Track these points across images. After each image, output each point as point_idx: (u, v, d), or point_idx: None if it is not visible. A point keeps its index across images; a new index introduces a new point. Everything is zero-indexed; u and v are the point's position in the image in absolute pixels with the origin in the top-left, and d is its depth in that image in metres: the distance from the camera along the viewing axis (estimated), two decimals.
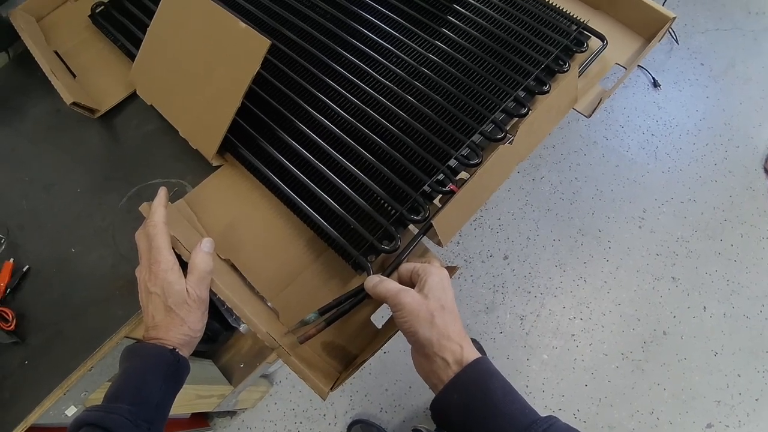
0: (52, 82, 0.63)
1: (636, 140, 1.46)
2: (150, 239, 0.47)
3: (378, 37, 0.63)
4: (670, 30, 1.47)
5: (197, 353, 0.93)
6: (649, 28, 0.64)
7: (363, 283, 0.49)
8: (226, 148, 0.58)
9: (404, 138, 0.55)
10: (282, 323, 0.51)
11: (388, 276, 0.48)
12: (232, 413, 1.24)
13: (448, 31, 0.62)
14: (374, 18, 0.65)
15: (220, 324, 0.91)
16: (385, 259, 0.52)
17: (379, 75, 0.59)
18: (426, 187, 0.52)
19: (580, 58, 0.62)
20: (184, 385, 0.48)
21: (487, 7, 0.64)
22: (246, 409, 1.24)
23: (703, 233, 1.36)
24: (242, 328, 0.91)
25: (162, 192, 0.51)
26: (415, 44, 0.62)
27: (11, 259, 0.60)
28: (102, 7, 0.73)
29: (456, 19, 0.63)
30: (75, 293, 0.57)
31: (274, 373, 1.27)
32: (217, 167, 0.59)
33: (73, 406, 0.64)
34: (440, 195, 0.53)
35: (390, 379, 1.25)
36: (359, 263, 0.50)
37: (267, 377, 1.26)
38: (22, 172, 0.66)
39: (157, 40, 0.61)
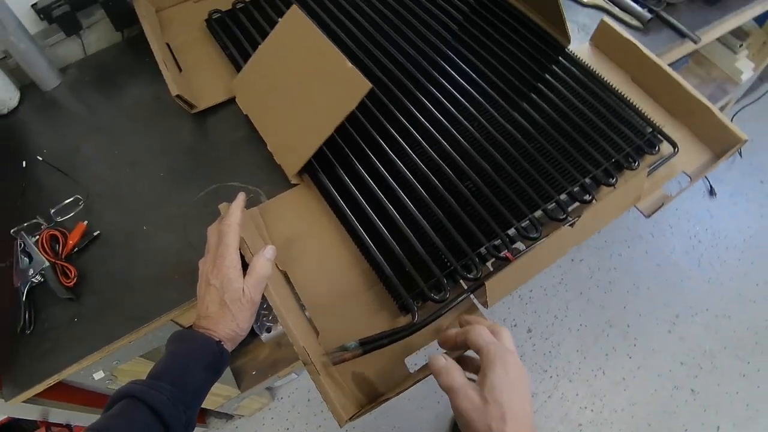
0: (162, 72, 0.69)
1: (682, 244, 1.45)
2: (221, 236, 0.50)
3: (463, 98, 0.67)
4: None
5: None
6: (720, 144, 0.66)
7: (405, 325, 0.51)
8: (305, 169, 0.62)
9: (471, 198, 0.58)
10: (319, 343, 0.53)
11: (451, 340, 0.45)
12: (228, 416, 1.25)
13: (529, 107, 0.66)
14: (462, 80, 0.69)
15: None
16: (432, 306, 0.54)
17: (458, 134, 0.63)
18: (483, 249, 0.55)
19: (649, 159, 0.64)
20: None
21: (570, 94, 0.67)
22: (243, 416, 1.24)
23: (732, 352, 1.32)
24: (264, 336, 0.93)
25: (241, 196, 0.55)
26: (497, 113, 0.65)
27: (85, 222, 0.64)
28: (219, 14, 0.80)
29: (539, 98, 0.67)
30: (136, 268, 0.61)
31: (279, 388, 1.28)
32: (294, 185, 0.63)
33: (102, 372, 0.67)
34: (494, 259, 0.55)
35: (389, 424, 1.24)
36: (406, 305, 0.52)
37: (271, 390, 1.27)
38: (114, 145, 0.72)
39: (266, 58, 0.67)
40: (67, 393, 0.69)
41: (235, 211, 0.52)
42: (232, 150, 0.68)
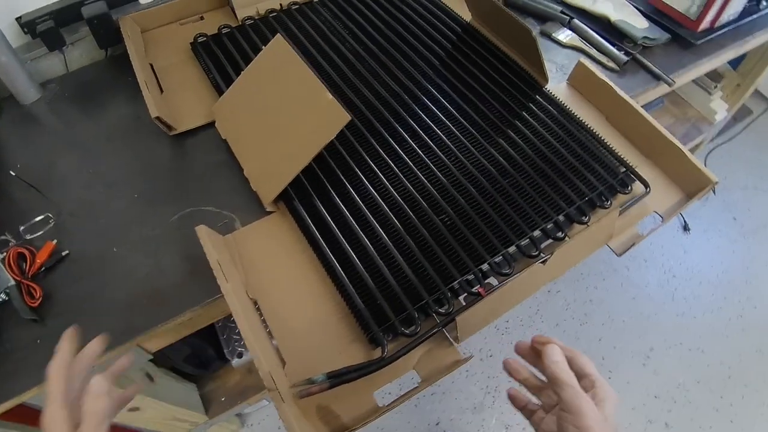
0: (143, 93, 0.69)
1: (656, 278, 1.47)
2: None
3: (441, 132, 0.68)
4: None
5: (185, 375, 0.93)
6: (691, 184, 0.68)
7: (374, 359, 0.51)
8: (281, 197, 0.62)
9: (445, 232, 0.58)
10: (286, 373, 0.52)
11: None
12: None
13: (506, 143, 0.67)
14: (441, 114, 0.70)
15: (215, 352, 0.92)
16: (404, 339, 0.54)
17: (435, 167, 0.64)
18: (455, 284, 0.55)
19: (622, 198, 0.66)
20: (164, 402, 0.47)
21: (546, 132, 0.69)
22: None
23: (706, 386, 1.34)
24: (234, 362, 0.92)
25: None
26: (474, 148, 0.66)
27: (54, 241, 0.63)
28: (204, 38, 0.80)
29: (515, 135, 0.68)
30: (104, 290, 0.60)
31: (249, 414, 1.26)
32: (270, 213, 0.63)
33: None
34: (466, 294, 0.55)
35: None
36: (376, 338, 0.52)
37: (240, 417, 1.24)
38: (90, 163, 0.71)
39: (248, 84, 0.67)
40: (28, 415, 0.67)
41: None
42: (209, 174, 0.68)
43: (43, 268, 0.61)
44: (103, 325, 0.58)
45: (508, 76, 0.76)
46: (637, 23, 0.90)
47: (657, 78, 0.85)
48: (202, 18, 0.85)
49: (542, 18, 0.91)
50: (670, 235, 1.53)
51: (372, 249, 0.57)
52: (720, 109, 1.33)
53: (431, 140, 0.67)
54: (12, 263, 0.61)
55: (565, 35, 0.88)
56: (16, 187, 0.69)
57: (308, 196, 0.61)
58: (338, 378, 0.50)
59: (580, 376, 0.41)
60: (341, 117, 0.56)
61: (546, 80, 0.75)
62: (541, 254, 0.59)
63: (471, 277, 0.55)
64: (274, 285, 0.58)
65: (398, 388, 0.49)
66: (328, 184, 0.62)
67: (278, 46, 0.65)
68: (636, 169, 0.67)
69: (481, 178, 0.63)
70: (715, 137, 1.60)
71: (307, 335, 0.55)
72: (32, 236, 0.64)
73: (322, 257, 0.57)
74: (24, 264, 0.61)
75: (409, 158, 0.65)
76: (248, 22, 0.82)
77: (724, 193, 1.64)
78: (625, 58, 0.84)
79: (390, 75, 0.75)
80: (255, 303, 0.56)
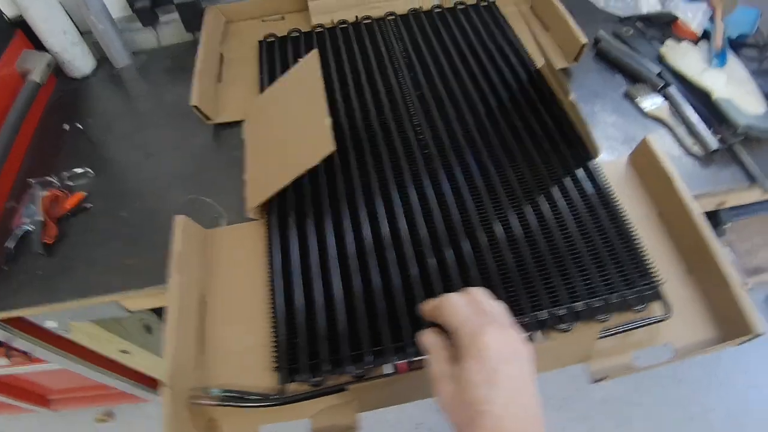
0: (193, 80, 0.74)
1: (727, 403, 1.22)
2: None
3: (466, 183, 0.62)
4: None
5: None
6: (729, 326, 0.55)
7: (272, 394, 0.50)
8: (266, 208, 0.63)
9: (399, 292, 0.54)
10: (196, 377, 0.53)
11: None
12: None
13: (512, 214, 0.60)
14: (473, 160, 0.65)
15: None
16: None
17: (424, 221, 0.59)
18: (390, 347, 0.51)
19: (629, 315, 0.55)
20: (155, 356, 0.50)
21: (570, 210, 0.60)
22: None
23: None
24: None
25: None
26: (477, 212, 0.60)
27: (85, 193, 0.72)
28: (273, 38, 0.84)
29: (531, 207, 0.61)
30: (102, 247, 0.67)
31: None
32: (253, 220, 0.64)
33: (54, 322, 0.75)
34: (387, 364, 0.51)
35: None
36: (282, 376, 0.51)
37: None
38: (141, 132, 0.79)
39: (276, 92, 0.69)
40: (30, 328, 0.78)
41: None
42: (224, 169, 0.71)
43: (67, 214, 0.71)
44: (91, 276, 0.65)
45: (557, 138, 0.67)
46: (749, 107, 0.74)
47: (751, 179, 0.69)
48: (283, 18, 0.89)
49: (633, 77, 0.80)
50: (761, 356, 1.26)
51: (318, 286, 0.55)
52: None
53: (420, 199, 0.62)
54: (47, 202, 0.70)
55: (651, 103, 0.76)
56: (78, 137, 0.80)
57: (285, 215, 0.61)
58: (231, 398, 0.51)
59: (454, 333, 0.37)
60: (326, 146, 0.55)
61: (596, 153, 0.65)
62: None
63: (411, 348, 0.51)
64: (226, 290, 0.59)
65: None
66: (309, 210, 0.61)
67: (310, 61, 0.66)
68: (664, 284, 0.56)
69: (466, 244, 0.57)
70: None
71: (235, 348, 0.56)
72: (72, 184, 0.74)
73: (270, 278, 0.57)
74: (55, 205, 0.71)
75: (404, 209, 0.61)
76: (318, 30, 0.84)
77: None
78: (717, 146, 0.70)
79: (437, 109, 0.71)
80: (203, 300, 0.58)
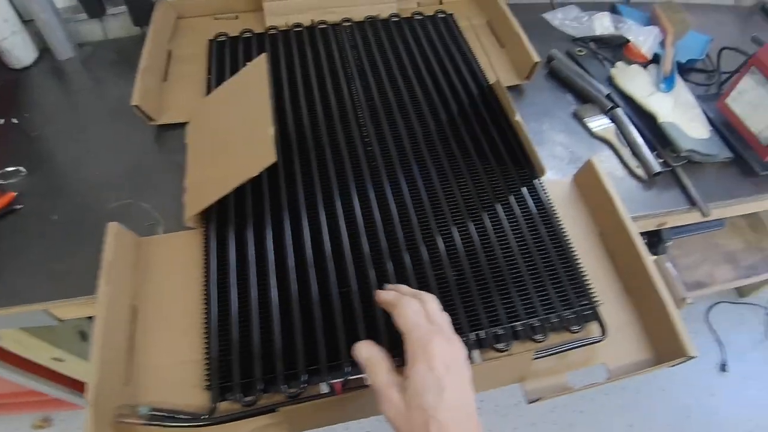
0: (136, 78, 0.71)
1: (667, 412, 1.27)
2: None
3: (410, 198, 0.62)
4: None
5: None
6: (664, 348, 0.56)
7: (201, 415, 0.48)
8: (205, 217, 0.60)
9: (337, 308, 0.53)
10: (123, 393, 0.51)
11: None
12: None
13: (455, 231, 0.60)
14: (419, 175, 0.64)
15: None
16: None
17: (368, 238, 0.58)
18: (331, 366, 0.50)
19: (567, 335, 0.56)
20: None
21: (513, 229, 0.60)
22: None
23: None
24: None
25: None
26: (419, 229, 0.60)
27: (16, 193, 0.68)
28: (224, 38, 0.81)
29: (473, 224, 0.61)
30: (32, 251, 0.63)
31: None
32: (191, 229, 0.62)
33: None
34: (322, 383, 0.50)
35: None
36: (212, 395, 0.49)
37: None
38: (81, 130, 0.75)
39: (222, 96, 0.67)
40: None
41: None
42: (164, 173, 0.69)
43: None
44: (20, 282, 0.61)
45: (504, 155, 0.68)
46: (692, 131, 0.77)
47: (691, 202, 0.72)
48: (237, 17, 0.87)
49: (583, 97, 0.81)
50: (702, 369, 1.32)
51: (255, 301, 0.54)
52: None
53: (364, 213, 0.61)
54: None
55: (598, 124, 0.78)
56: (13, 133, 0.75)
57: (224, 225, 0.59)
58: (159, 418, 0.48)
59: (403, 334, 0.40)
60: (267, 157, 0.54)
61: (542, 172, 0.66)
62: None
63: (348, 367, 0.50)
64: (159, 302, 0.57)
65: None
66: (250, 222, 0.59)
67: (259, 65, 0.64)
68: (602, 305, 0.57)
69: (407, 259, 0.57)
70: None
71: (166, 363, 0.54)
72: (3, 182, 0.69)
73: (205, 290, 0.55)
74: None
75: (342, 220, 0.60)
76: (272, 32, 0.82)
77: None
78: (658, 169, 0.72)
79: (387, 121, 0.70)
80: (134, 310, 0.56)
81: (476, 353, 0.53)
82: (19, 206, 0.67)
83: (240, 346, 0.51)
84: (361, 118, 0.70)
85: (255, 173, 0.55)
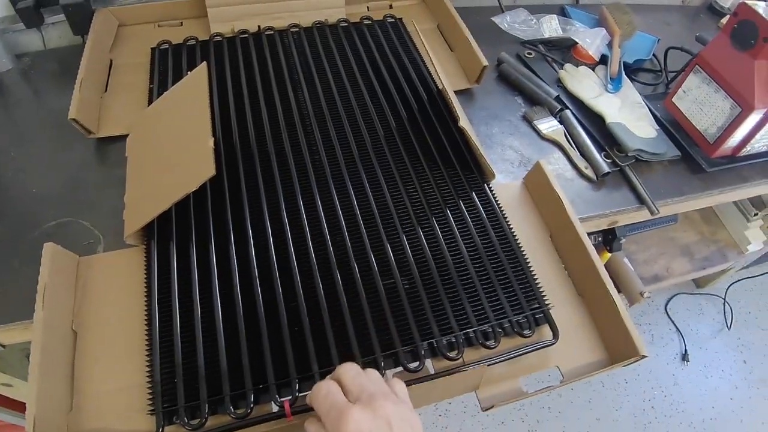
0: (74, 90, 0.68)
1: (632, 403, 1.30)
2: None
3: (357, 200, 0.61)
4: (728, 308, 1.30)
5: None
6: (617, 349, 0.57)
7: None
8: (151, 235, 0.58)
9: (284, 322, 0.52)
10: (67, 422, 0.48)
11: None
12: None
13: (405, 238, 0.59)
14: (367, 179, 0.63)
15: None
16: None
17: (313, 250, 0.57)
18: (276, 385, 0.49)
19: (519, 340, 0.56)
20: None
21: (463, 235, 0.60)
22: None
23: None
24: None
25: None
26: (383, 228, 0.59)
27: None
28: (167, 46, 0.79)
29: (422, 231, 0.60)
30: None
31: None
32: (132, 246, 0.59)
33: None
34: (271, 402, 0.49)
35: None
36: (157, 420, 0.47)
37: None
38: (18, 145, 0.71)
39: (162, 106, 0.65)
40: None
41: None
42: (103, 188, 0.66)
43: None
44: None
45: (453, 160, 0.68)
46: (640, 131, 0.78)
47: (640, 201, 0.73)
48: (181, 24, 0.84)
49: (532, 100, 0.82)
50: (665, 359, 1.36)
51: (198, 320, 0.52)
52: (756, 239, 1.16)
53: (326, 209, 0.60)
54: None
55: (547, 126, 0.78)
56: None
57: (167, 242, 0.57)
58: None
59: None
60: (207, 169, 0.52)
61: (492, 175, 0.66)
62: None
63: (297, 383, 0.49)
64: (100, 324, 0.54)
65: None
66: (192, 237, 0.57)
67: (199, 75, 0.62)
68: (553, 308, 0.57)
69: (355, 269, 0.56)
70: (747, 266, 1.39)
71: (109, 388, 0.51)
72: None
73: (147, 311, 0.53)
74: None
75: (287, 233, 0.58)
76: (216, 38, 0.80)
77: (741, 331, 1.43)
78: (607, 169, 0.73)
79: (334, 128, 0.69)
80: (75, 335, 0.53)
81: (429, 362, 0.53)
82: None
83: (184, 368, 0.49)
84: (308, 125, 0.69)
85: (194, 187, 0.53)
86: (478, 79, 0.78)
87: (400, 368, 0.52)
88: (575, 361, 0.58)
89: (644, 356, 0.54)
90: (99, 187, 0.66)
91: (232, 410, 0.48)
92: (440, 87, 0.75)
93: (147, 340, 0.52)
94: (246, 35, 0.80)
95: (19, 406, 1.01)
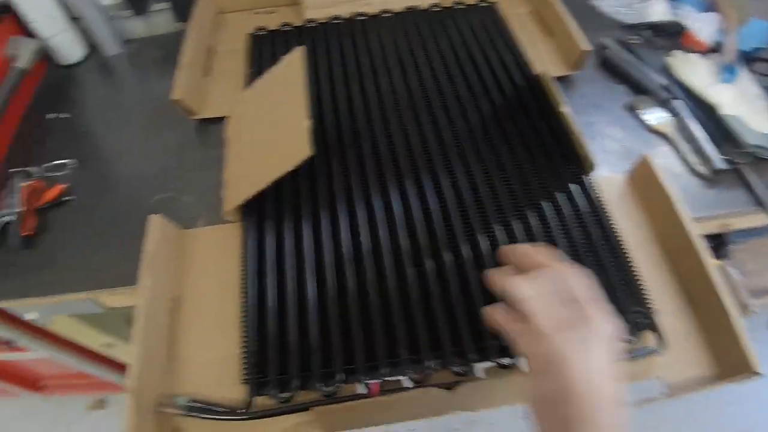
0: (177, 73, 0.71)
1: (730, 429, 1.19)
2: None
3: (451, 193, 0.59)
4: None
5: None
6: (728, 364, 0.52)
7: (238, 409, 0.48)
8: (248, 212, 0.60)
9: (376, 306, 0.51)
10: (159, 383, 0.51)
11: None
12: None
13: (512, 226, 0.57)
14: (461, 169, 0.61)
15: None
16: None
17: (409, 236, 0.56)
18: (364, 365, 0.49)
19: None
20: None
21: (560, 230, 0.57)
22: None
23: None
24: None
25: None
26: (475, 220, 0.57)
27: (65, 185, 0.70)
28: (264, 32, 0.81)
29: (515, 222, 0.58)
30: (77, 243, 0.65)
31: None
32: (230, 222, 0.61)
33: (34, 314, 0.74)
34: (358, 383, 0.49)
35: None
36: (249, 389, 0.49)
37: None
38: (126, 126, 0.77)
39: (259, 89, 0.67)
40: (11, 317, 0.78)
41: None
42: (203, 167, 0.69)
43: (46, 205, 0.68)
44: (68, 272, 0.63)
45: (552, 150, 0.64)
46: (759, 125, 0.70)
47: (758, 203, 0.66)
48: (274, 11, 0.86)
49: (637, 89, 0.76)
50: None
51: (292, 297, 0.53)
52: None
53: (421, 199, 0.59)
54: (27, 193, 0.68)
55: (656, 117, 0.72)
56: (63, 127, 0.78)
57: (262, 219, 0.59)
58: (196, 410, 0.49)
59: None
60: (303, 150, 0.53)
61: (592, 166, 0.62)
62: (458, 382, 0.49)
63: (385, 368, 0.49)
64: (199, 294, 0.57)
65: None
66: (287, 216, 0.58)
67: (295, 59, 0.63)
68: (659, 314, 0.53)
69: (451, 259, 0.55)
70: None
71: (204, 355, 0.54)
72: (52, 175, 0.72)
73: (243, 284, 0.55)
74: (35, 197, 0.69)
75: (381, 215, 0.58)
76: (310, 24, 0.81)
77: None
78: (722, 166, 0.67)
79: (427, 113, 0.68)
80: (176, 305, 0.56)
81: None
82: (68, 198, 0.69)
83: (277, 342, 0.51)
84: (400, 111, 0.68)
85: (291, 167, 0.54)
86: (578, 65, 0.74)
87: (490, 362, 0.50)
88: (681, 373, 0.53)
89: (758, 373, 0.49)
90: (199, 166, 0.69)
91: (322, 386, 0.48)
92: (537, 72, 0.71)
93: (243, 312, 0.53)
94: (338, 21, 0.81)
95: (117, 366, 1.10)
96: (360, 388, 0.49)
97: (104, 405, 1.39)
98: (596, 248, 0.56)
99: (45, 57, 0.84)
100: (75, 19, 0.84)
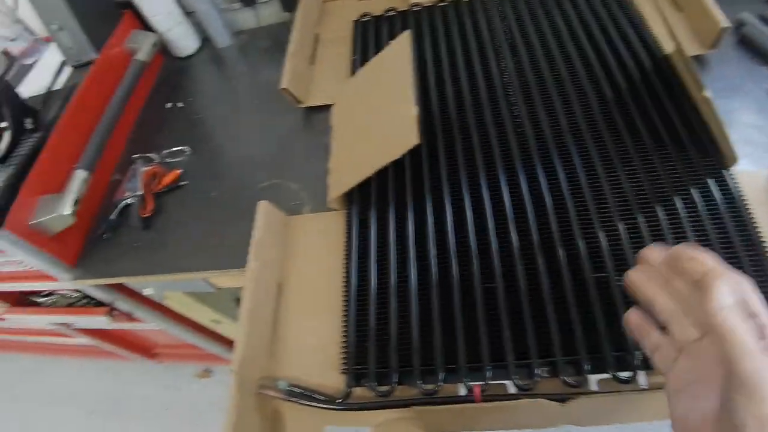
0: (285, 62, 0.73)
1: None
2: None
3: (568, 186, 0.55)
4: None
5: None
6: None
7: (337, 397, 0.48)
8: (352, 201, 0.60)
9: (479, 305, 0.49)
10: (261, 365, 0.53)
11: None
12: None
13: (641, 223, 0.51)
14: (580, 160, 0.56)
15: None
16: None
17: (519, 231, 0.53)
18: (463, 366, 0.47)
19: None
20: None
21: (693, 229, 0.50)
22: None
23: None
24: None
25: None
26: (598, 218, 0.53)
27: (181, 171, 0.74)
28: (368, 18, 0.80)
29: (654, 219, 0.52)
30: (194, 225, 0.69)
31: None
32: (334, 210, 0.62)
33: (151, 290, 0.80)
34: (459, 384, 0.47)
35: None
36: (348, 379, 0.49)
37: None
38: (236, 113, 0.80)
39: (365, 76, 0.66)
40: (130, 291, 0.85)
41: None
42: (310, 154, 0.70)
43: (164, 189, 0.74)
44: (182, 252, 0.67)
45: (684, 139, 0.57)
46: None
47: None
48: None
49: None
50: None
51: (394, 287, 0.52)
52: None
53: (534, 193, 0.55)
54: (147, 177, 0.74)
55: None
56: (179, 116, 0.83)
57: (366, 209, 0.58)
58: (296, 395, 0.49)
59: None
60: (411, 138, 0.51)
61: (733, 160, 0.54)
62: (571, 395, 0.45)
63: (489, 371, 0.46)
64: (302, 281, 0.58)
65: None
66: (391, 206, 0.57)
67: (401, 44, 0.61)
68: None
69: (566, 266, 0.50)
70: None
71: (306, 341, 0.55)
72: (170, 161, 0.77)
73: (346, 273, 0.55)
74: (153, 181, 0.74)
75: (489, 207, 0.55)
76: (416, 8, 0.79)
77: None
78: None
79: (541, 98, 0.63)
80: (280, 289, 0.58)
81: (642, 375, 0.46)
82: (184, 182, 0.74)
83: (377, 334, 0.50)
84: (512, 96, 0.64)
85: (397, 156, 0.53)
86: (714, 44, 0.65)
87: (607, 374, 0.45)
88: None
89: None
90: (305, 153, 0.71)
91: (422, 384, 0.47)
92: (666, 52, 0.63)
93: (345, 301, 0.54)
94: (445, 3, 0.78)
95: (223, 341, 1.17)
96: (461, 390, 0.47)
97: (209, 374, 1.50)
98: (735, 250, 0.49)
99: (162, 50, 0.90)
100: (189, 14, 0.89)
